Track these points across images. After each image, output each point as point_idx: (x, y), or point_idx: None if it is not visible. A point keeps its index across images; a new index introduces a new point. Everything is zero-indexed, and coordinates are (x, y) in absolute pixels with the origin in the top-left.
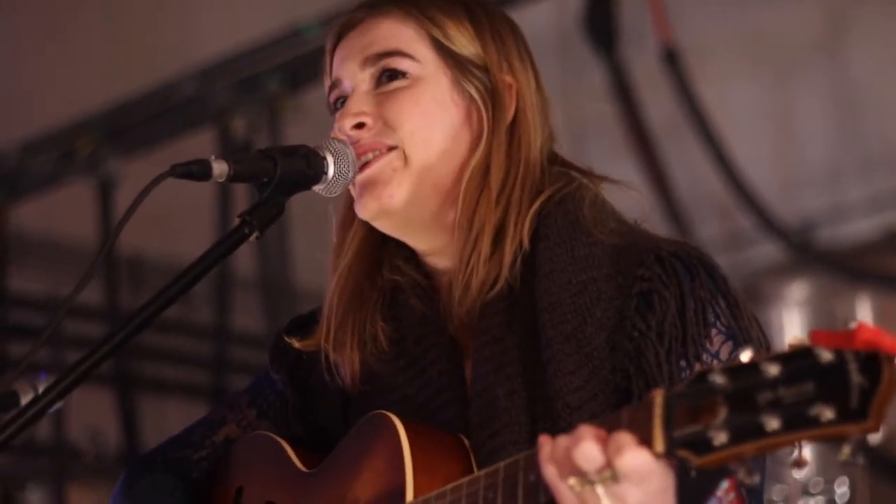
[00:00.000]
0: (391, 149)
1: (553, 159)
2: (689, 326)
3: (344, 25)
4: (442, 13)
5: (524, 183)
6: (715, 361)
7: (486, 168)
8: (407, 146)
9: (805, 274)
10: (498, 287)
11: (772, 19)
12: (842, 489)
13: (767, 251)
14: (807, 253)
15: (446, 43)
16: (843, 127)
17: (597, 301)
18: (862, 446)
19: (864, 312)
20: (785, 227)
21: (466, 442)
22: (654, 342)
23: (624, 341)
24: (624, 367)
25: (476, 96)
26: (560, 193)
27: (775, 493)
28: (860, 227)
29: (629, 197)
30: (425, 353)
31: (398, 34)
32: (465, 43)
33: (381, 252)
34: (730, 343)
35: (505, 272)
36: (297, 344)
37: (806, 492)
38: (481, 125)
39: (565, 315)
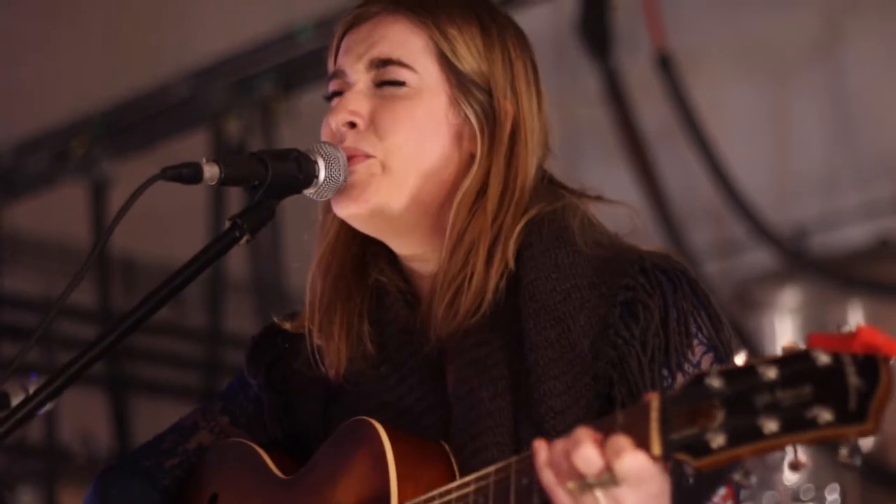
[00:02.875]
0: (369, 157)
1: (542, 176)
2: (671, 336)
3: (357, 16)
4: (455, 28)
5: (516, 206)
6: (695, 371)
7: (480, 190)
8: (389, 158)
9: (798, 281)
10: (482, 311)
11: (767, 25)
12: (833, 496)
13: (760, 258)
14: (799, 260)
15: (453, 59)
16: (838, 134)
17: (580, 308)
18: (858, 448)
19: (856, 320)
20: (778, 234)
21: (447, 448)
22: (638, 350)
23: (607, 349)
24: (607, 375)
25: (472, 118)
26: (547, 209)
27: (766, 499)
28: (853, 235)
29: (622, 210)
30: (406, 361)
31: (406, 43)
32: (472, 62)
33: (365, 246)
34: (711, 354)
35: (489, 296)
36: (286, 326)
37: (797, 498)
38: (472, 146)
39: (549, 321)
